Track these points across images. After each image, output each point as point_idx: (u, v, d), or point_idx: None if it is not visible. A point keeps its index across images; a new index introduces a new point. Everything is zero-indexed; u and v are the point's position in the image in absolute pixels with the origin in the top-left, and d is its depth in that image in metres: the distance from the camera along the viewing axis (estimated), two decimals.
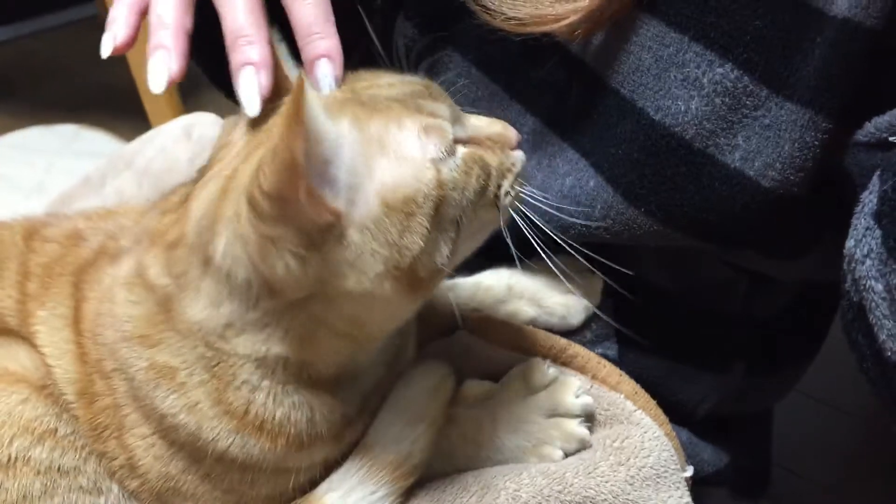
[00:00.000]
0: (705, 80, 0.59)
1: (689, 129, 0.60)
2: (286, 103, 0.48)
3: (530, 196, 0.60)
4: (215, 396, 0.54)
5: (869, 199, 0.51)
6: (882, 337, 0.49)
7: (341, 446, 0.60)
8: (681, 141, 0.61)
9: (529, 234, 0.59)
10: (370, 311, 0.53)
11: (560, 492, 0.61)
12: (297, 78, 0.44)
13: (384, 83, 0.55)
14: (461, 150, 0.53)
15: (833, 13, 0.56)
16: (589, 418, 0.65)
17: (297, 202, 0.46)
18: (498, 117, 0.70)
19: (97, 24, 2.44)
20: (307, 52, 0.56)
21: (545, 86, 0.68)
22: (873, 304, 0.50)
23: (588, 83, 0.65)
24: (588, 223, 0.65)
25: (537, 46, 0.63)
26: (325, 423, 0.57)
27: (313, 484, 0.60)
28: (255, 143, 0.53)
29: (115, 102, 1.91)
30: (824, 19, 0.56)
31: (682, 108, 0.60)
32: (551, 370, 0.65)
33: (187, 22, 0.56)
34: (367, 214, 0.49)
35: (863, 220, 0.51)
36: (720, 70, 0.59)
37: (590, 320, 0.70)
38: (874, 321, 0.50)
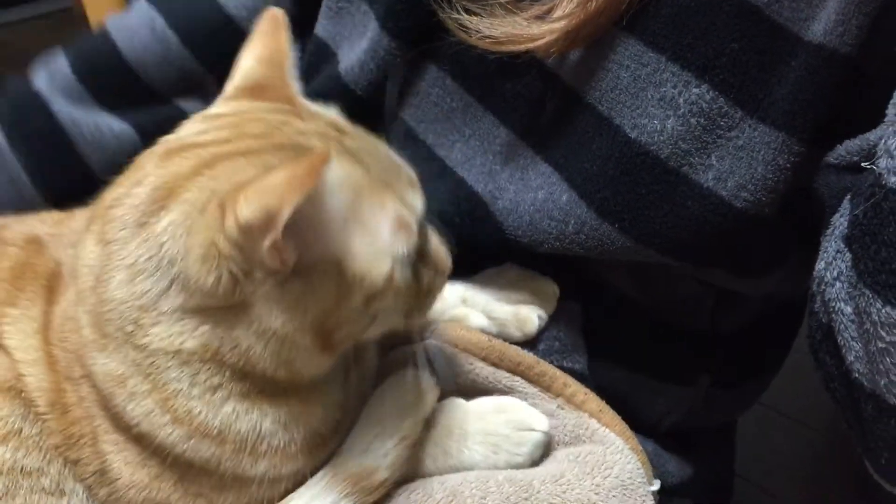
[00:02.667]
0: (681, 101, 0.60)
1: (665, 148, 0.61)
2: (302, 159, 0.46)
3: (506, 210, 0.61)
4: (161, 405, 0.53)
5: (840, 222, 0.52)
6: (850, 358, 0.50)
7: (314, 462, 0.59)
8: (655, 160, 0.61)
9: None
10: (287, 350, 0.52)
11: (526, 499, 0.61)
12: (322, 150, 0.45)
13: (377, 150, 0.55)
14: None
15: (808, 38, 0.57)
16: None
17: (260, 242, 0.46)
18: (471, 128, 0.72)
19: (71, 17, 2.42)
20: None
21: (520, 98, 0.69)
22: (842, 325, 0.50)
23: (563, 98, 0.66)
24: (561, 237, 0.66)
25: (513, 61, 0.64)
26: (282, 435, 0.55)
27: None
28: (243, 135, 0.53)
29: None
30: (800, 44, 0.57)
31: (658, 127, 0.61)
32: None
33: None
34: (317, 272, 0.49)
35: (833, 244, 0.52)
36: (696, 90, 0.60)
37: (557, 332, 0.71)
38: (842, 343, 0.51)
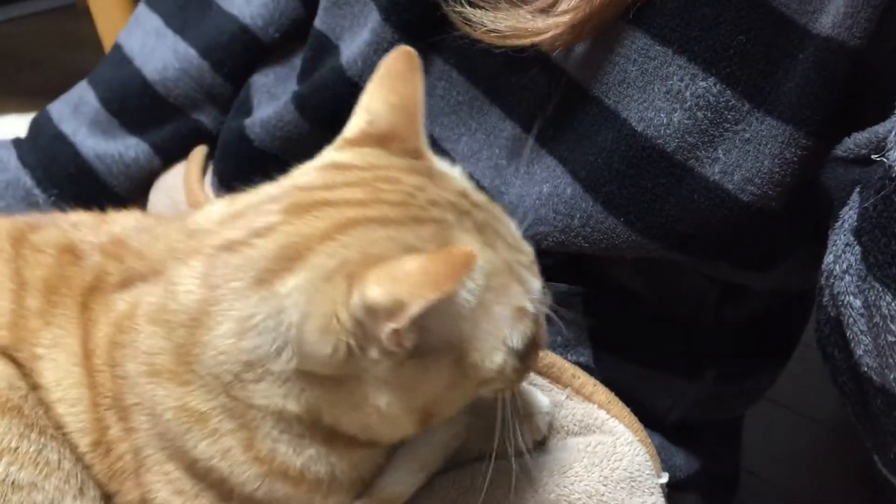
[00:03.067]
0: (688, 94, 0.60)
1: (671, 141, 0.61)
2: (444, 254, 0.45)
3: (511, 204, 0.60)
4: (245, 444, 0.51)
5: (848, 215, 0.52)
6: (859, 352, 0.50)
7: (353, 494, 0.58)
8: (662, 153, 0.61)
9: None
10: (382, 423, 0.51)
11: (534, 490, 0.62)
12: (466, 253, 0.44)
13: (501, 225, 0.53)
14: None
15: (816, 31, 0.57)
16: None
17: (382, 325, 0.44)
18: (477, 122, 0.71)
19: (75, 13, 2.42)
20: None
21: (525, 92, 0.68)
22: (851, 319, 0.50)
23: (569, 91, 0.66)
24: (567, 231, 0.66)
25: (519, 54, 0.64)
26: (350, 474, 0.55)
27: None
28: (379, 200, 0.50)
29: None
30: (808, 37, 0.57)
31: (665, 121, 0.61)
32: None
33: None
34: (434, 357, 0.48)
35: (842, 237, 0.52)
36: (703, 84, 0.59)
37: (561, 327, 0.71)
38: (851, 336, 0.50)
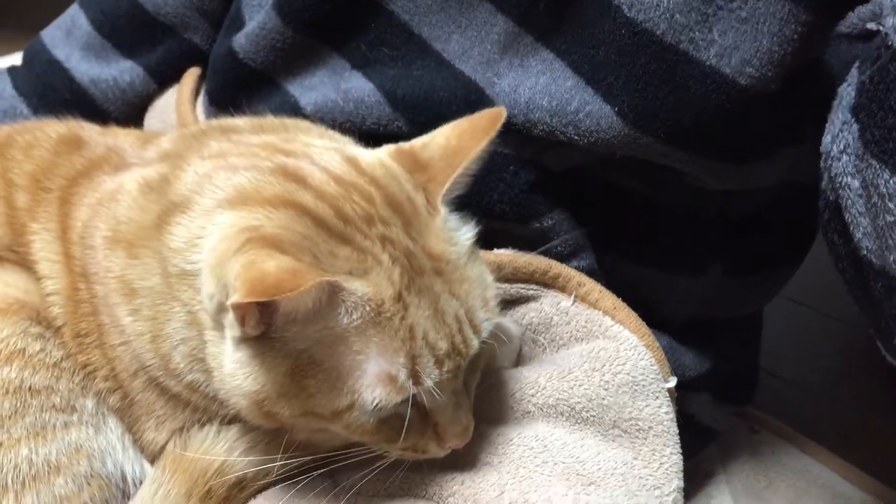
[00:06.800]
0: None
1: (661, 23, 0.58)
2: (294, 269, 0.46)
3: (502, 93, 0.61)
4: (152, 335, 0.55)
5: (847, 91, 0.49)
6: (858, 235, 0.48)
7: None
8: (651, 37, 0.59)
9: None
10: (227, 387, 0.53)
11: (533, 395, 0.62)
12: (309, 276, 0.45)
13: (450, 315, 0.52)
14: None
15: None
16: None
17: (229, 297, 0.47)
18: (468, 19, 0.69)
19: None
20: None
21: None
22: (849, 201, 0.48)
23: None
24: (560, 114, 0.64)
25: None
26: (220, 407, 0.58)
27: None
28: (338, 205, 0.52)
29: None
30: None
31: (654, 2, 0.58)
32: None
33: None
34: (269, 355, 0.50)
35: (840, 115, 0.49)
36: None
37: (560, 232, 0.69)
38: (850, 220, 0.49)
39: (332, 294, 0.47)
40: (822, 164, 0.51)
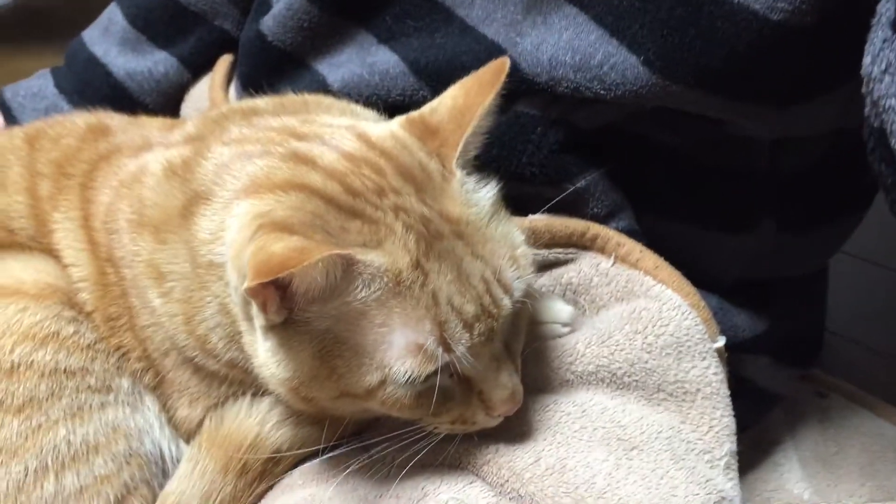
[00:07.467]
0: None
1: None
2: (303, 246, 0.46)
3: (525, 51, 0.60)
4: (185, 318, 0.56)
5: (886, 7, 0.46)
6: None
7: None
8: None
9: None
10: (266, 373, 0.53)
11: (571, 363, 0.60)
12: (316, 250, 0.45)
13: (475, 276, 0.51)
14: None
15: None
16: None
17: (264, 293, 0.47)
18: None
19: None
20: None
21: None
22: (894, 125, 0.45)
23: None
24: (584, 69, 0.62)
25: None
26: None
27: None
28: (347, 181, 0.51)
29: None
30: None
31: None
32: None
33: None
34: (295, 340, 0.50)
35: (880, 32, 0.46)
36: None
37: (595, 192, 0.66)
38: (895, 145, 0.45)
39: (347, 268, 0.47)
40: (864, 88, 0.47)
